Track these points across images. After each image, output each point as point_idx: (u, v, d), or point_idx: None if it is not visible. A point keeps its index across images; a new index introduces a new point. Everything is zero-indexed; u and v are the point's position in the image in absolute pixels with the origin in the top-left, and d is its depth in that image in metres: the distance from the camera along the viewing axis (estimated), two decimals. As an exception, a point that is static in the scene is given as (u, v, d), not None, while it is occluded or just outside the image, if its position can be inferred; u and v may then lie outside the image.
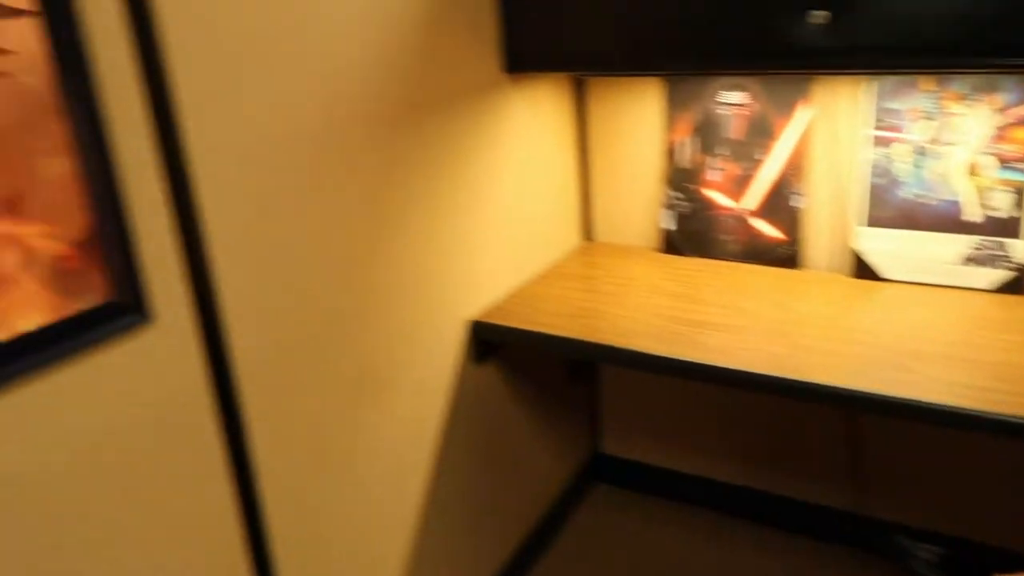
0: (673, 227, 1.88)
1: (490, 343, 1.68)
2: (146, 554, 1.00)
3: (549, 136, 1.83)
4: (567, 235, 1.97)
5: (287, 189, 1.15)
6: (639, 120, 1.90)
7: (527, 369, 1.89)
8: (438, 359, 1.54)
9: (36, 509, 0.87)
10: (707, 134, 1.80)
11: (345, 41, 1.22)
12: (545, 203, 1.85)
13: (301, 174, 1.17)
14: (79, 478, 0.91)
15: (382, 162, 1.33)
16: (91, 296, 0.91)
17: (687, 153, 1.83)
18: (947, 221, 1.58)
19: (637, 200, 1.96)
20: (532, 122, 1.76)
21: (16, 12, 0.79)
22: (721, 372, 1.33)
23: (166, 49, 0.95)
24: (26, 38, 0.81)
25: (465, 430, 1.66)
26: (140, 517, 0.99)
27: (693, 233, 1.86)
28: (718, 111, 1.78)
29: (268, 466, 1.17)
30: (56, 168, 0.85)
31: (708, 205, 1.83)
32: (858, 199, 1.68)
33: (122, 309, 0.94)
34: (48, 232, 0.86)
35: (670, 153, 1.85)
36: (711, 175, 1.81)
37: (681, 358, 1.37)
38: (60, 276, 0.87)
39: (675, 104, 1.82)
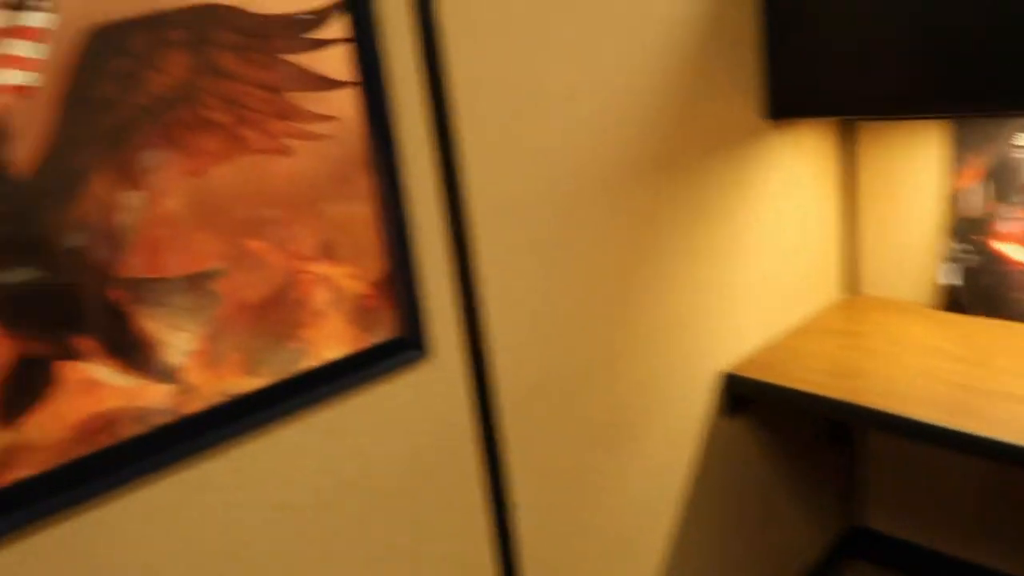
0: (956, 282, 1.70)
1: (743, 397, 1.62)
2: (408, 574, 1.08)
3: (812, 183, 1.75)
4: (828, 287, 1.85)
5: (551, 238, 1.21)
6: (916, 165, 1.75)
7: (781, 427, 1.79)
8: (688, 410, 1.51)
9: (329, 519, 0.98)
10: (1001, 180, 1.61)
11: (613, 95, 1.26)
12: (805, 253, 1.76)
13: (565, 223, 1.22)
14: (361, 493, 1.01)
15: (642, 210, 1.35)
16: (382, 331, 1.01)
17: (976, 201, 1.65)
18: None
19: (911, 252, 1.80)
20: (794, 169, 1.69)
21: (340, 84, 0.92)
22: (1022, 451, 1.17)
23: (455, 114, 1.05)
24: (346, 105, 0.93)
25: (713, 485, 1.60)
26: (406, 537, 1.07)
27: (981, 290, 1.66)
28: (1015, 155, 1.58)
29: (522, 500, 1.21)
30: (362, 216, 0.97)
31: (1000, 259, 1.63)
32: None
33: (406, 344, 1.03)
34: (353, 273, 0.97)
35: (954, 201, 1.68)
36: (1005, 226, 1.62)
37: (968, 431, 1.22)
38: (360, 313, 0.98)
39: (962, 147, 1.66)
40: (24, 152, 0.71)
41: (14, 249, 0.71)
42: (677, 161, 1.40)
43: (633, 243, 1.34)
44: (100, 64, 0.73)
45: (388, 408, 1.03)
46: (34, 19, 0.69)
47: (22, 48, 0.69)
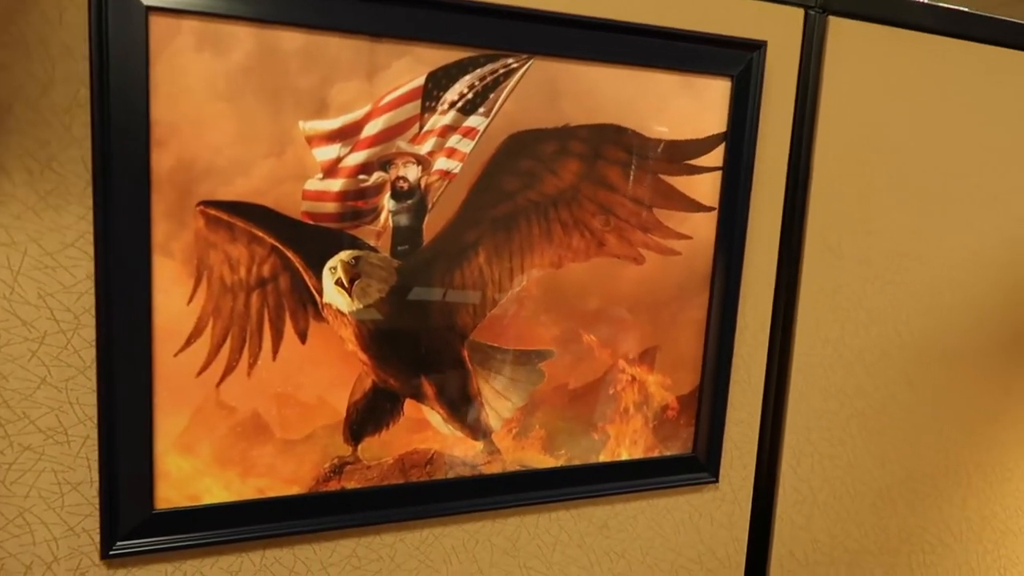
0: None
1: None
2: None
3: None
4: None
5: (873, 403, 1.12)
6: None
7: None
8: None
9: (578, 609, 1.00)
10: None
11: (969, 266, 1.15)
12: None
13: (892, 391, 1.13)
14: (616, 598, 1.02)
15: (983, 401, 1.20)
16: (676, 445, 1.01)
17: None
18: None
19: None
20: None
21: (706, 208, 0.95)
22: None
23: (804, 249, 1.03)
24: (703, 227, 0.96)
25: None
26: (647, 654, 1.05)
27: None
28: None
29: (768, 659, 1.14)
30: (689, 333, 0.99)
31: None
32: None
33: (697, 465, 1.02)
34: (664, 383, 0.99)
35: None
36: None
37: None
38: (661, 422, 1.00)
39: None
40: (432, 222, 0.83)
41: (402, 297, 0.83)
42: (1043, 346, 1.23)
43: (969, 431, 1.20)
44: (509, 162, 0.84)
45: (663, 521, 1.03)
46: (474, 120, 0.81)
47: (459, 142, 0.81)
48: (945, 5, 1.05)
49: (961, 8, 1.06)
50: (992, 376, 1.20)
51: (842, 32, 0.99)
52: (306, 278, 0.79)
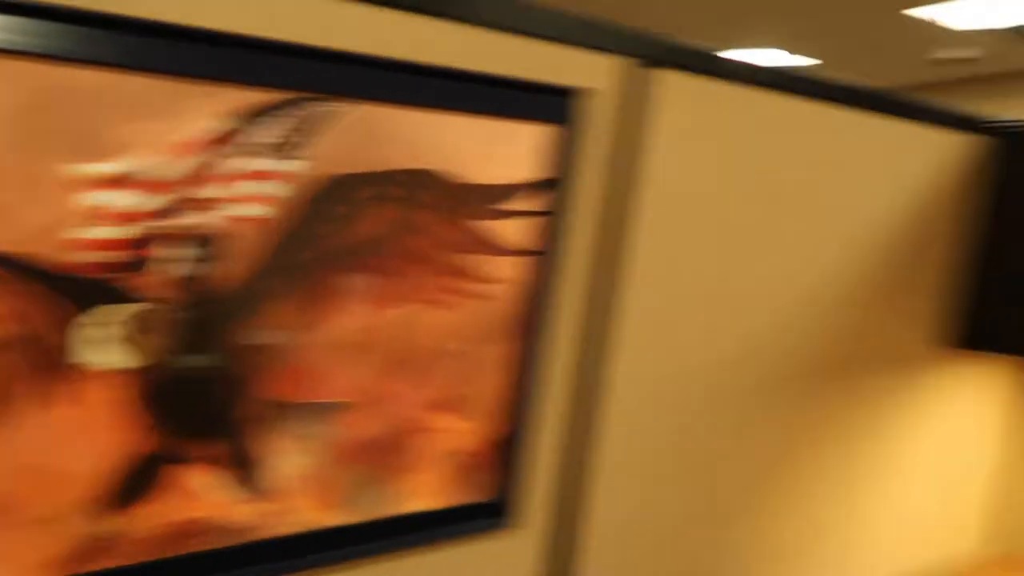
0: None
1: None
2: None
3: (983, 422, 1.66)
4: (969, 538, 1.73)
5: (689, 433, 1.17)
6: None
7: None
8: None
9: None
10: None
11: (788, 300, 1.24)
12: (953, 496, 1.65)
13: (709, 418, 1.19)
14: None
15: (797, 421, 1.31)
16: (480, 493, 0.99)
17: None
18: None
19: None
20: (965, 405, 1.60)
21: (515, 252, 0.94)
22: None
23: (620, 293, 1.06)
24: (515, 271, 0.95)
25: None
26: None
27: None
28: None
29: None
30: (497, 377, 0.97)
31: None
32: None
33: (492, 511, 1.01)
34: (470, 429, 0.97)
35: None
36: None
37: None
38: (464, 470, 0.97)
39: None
40: (227, 271, 0.73)
41: (182, 353, 0.73)
42: (845, 377, 1.36)
43: (781, 452, 1.30)
44: (324, 207, 0.76)
45: (465, 573, 1.00)
46: (292, 165, 0.73)
47: (273, 188, 0.72)
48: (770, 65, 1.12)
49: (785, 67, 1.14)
50: (806, 394, 1.30)
51: (667, 84, 1.02)
52: (65, 335, 0.66)
